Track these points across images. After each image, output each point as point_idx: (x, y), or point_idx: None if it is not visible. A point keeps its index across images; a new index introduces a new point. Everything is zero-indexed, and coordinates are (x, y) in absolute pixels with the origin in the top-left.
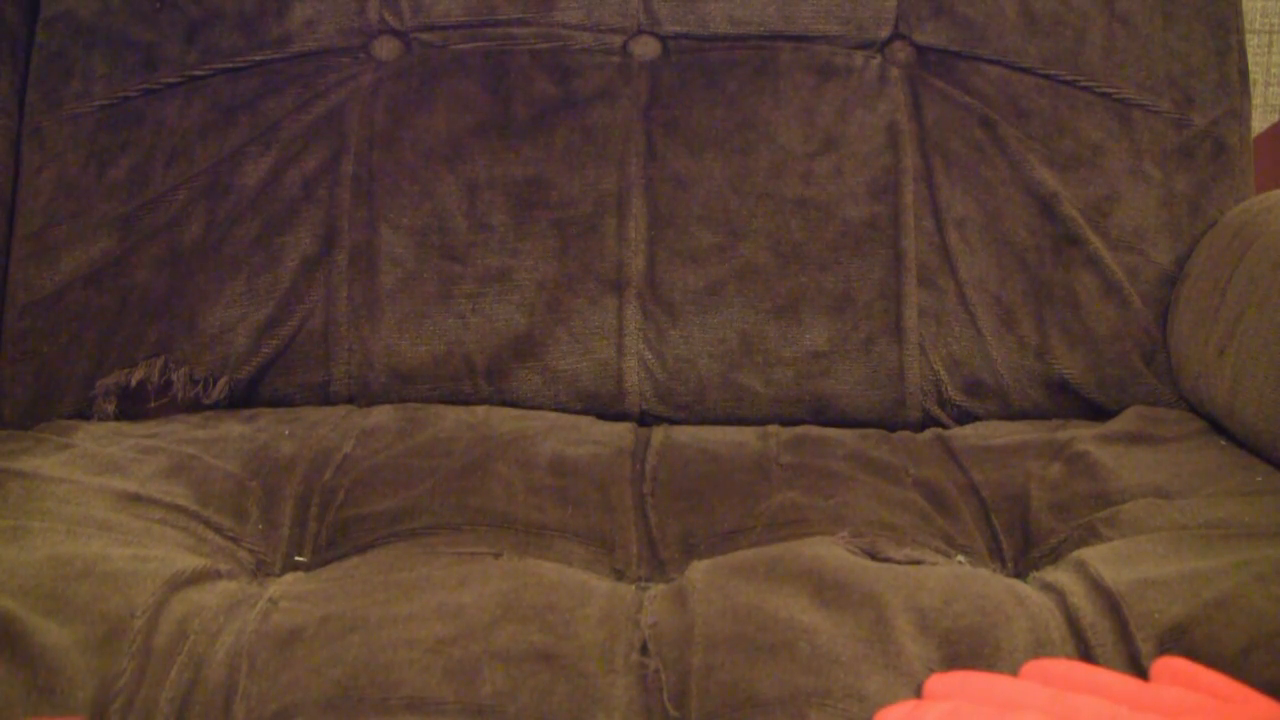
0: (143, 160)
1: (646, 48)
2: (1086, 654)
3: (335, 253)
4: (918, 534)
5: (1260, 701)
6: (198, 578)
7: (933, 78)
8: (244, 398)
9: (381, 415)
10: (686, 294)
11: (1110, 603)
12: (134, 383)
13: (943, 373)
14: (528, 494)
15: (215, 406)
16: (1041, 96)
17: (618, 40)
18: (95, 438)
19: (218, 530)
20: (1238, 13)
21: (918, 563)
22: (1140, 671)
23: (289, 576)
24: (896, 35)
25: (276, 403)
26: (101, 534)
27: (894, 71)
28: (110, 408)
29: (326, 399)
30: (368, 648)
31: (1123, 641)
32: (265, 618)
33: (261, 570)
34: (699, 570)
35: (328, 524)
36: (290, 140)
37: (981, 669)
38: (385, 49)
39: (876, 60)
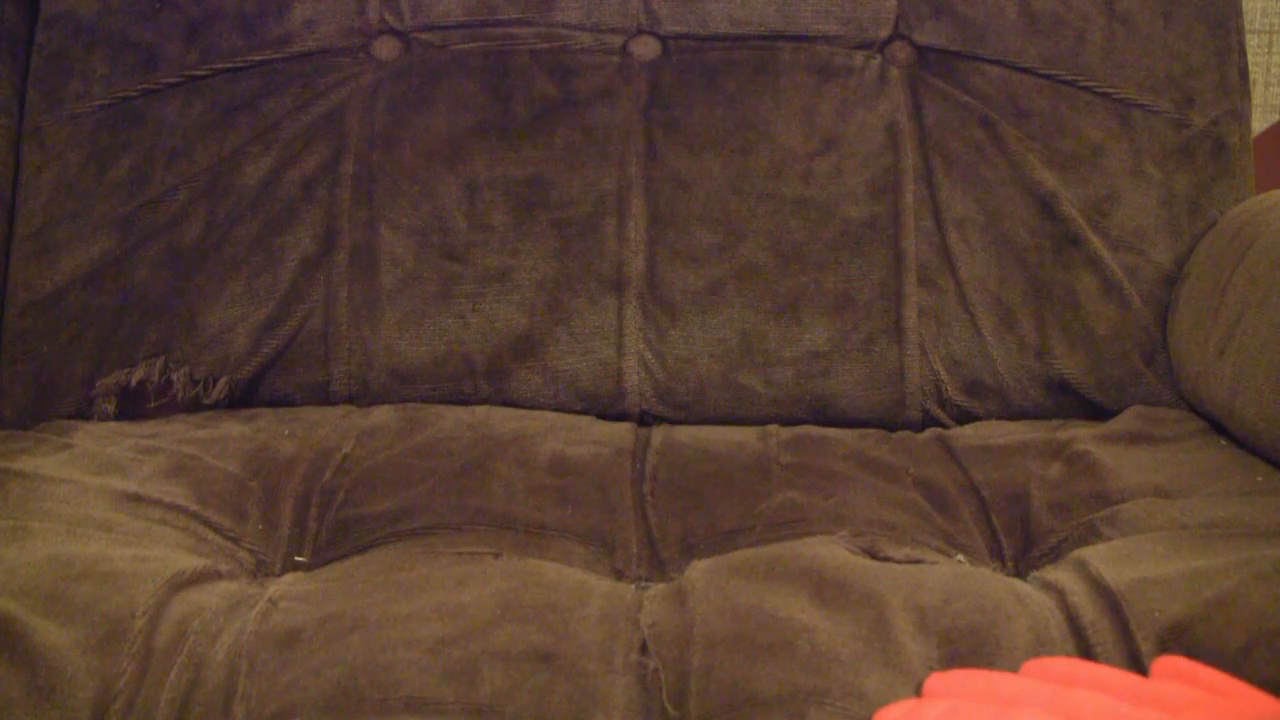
0: (143, 160)
1: (646, 48)
2: (1087, 653)
3: (335, 253)
4: (918, 534)
5: (1261, 698)
6: (198, 578)
7: (933, 78)
8: (244, 398)
9: (381, 415)
10: (686, 294)
11: (1110, 601)
12: (134, 383)
13: (943, 373)
14: (528, 494)
15: (215, 406)
16: (1041, 96)
17: (618, 40)
18: (95, 438)
19: (218, 530)
20: (1238, 13)
21: (918, 562)
22: (1141, 670)
23: (289, 576)
24: (896, 35)
25: (276, 403)
26: (101, 534)
27: (894, 71)
28: (110, 408)
29: (326, 399)
30: (367, 648)
31: (1123, 640)
32: (265, 618)
33: (261, 570)
34: (699, 570)
35: (328, 524)
36: (290, 140)
37: (982, 667)
38: (385, 49)
39: (876, 60)
